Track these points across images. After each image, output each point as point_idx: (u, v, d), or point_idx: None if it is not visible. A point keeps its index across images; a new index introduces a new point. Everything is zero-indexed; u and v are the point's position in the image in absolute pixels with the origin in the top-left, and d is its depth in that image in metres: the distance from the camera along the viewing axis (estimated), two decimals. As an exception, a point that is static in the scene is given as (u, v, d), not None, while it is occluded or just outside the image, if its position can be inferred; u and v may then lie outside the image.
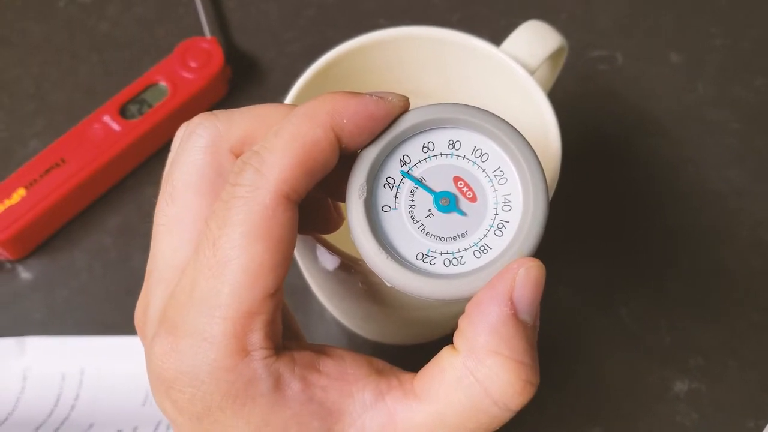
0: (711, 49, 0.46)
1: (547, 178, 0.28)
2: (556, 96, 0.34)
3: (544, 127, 0.29)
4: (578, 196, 0.41)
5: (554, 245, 0.39)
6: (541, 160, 0.20)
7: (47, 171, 0.38)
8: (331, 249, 0.26)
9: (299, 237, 0.28)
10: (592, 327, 0.38)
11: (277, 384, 0.18)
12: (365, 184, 0.20)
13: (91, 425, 0.32)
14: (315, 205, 0.22)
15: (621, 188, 0.42)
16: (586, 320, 0.38)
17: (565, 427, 0.35)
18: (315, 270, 0.31)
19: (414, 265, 0.20)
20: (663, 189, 0.42)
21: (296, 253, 0.32)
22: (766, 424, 0.35)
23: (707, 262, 0.39)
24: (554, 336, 0.38)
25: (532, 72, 0.30)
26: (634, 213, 0.41)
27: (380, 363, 0.20)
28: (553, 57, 0.32)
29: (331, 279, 0.30)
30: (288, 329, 0.23)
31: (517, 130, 0.20)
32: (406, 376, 0.19)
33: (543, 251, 0.38)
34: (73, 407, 0.33)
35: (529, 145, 0.20)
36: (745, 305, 0.38)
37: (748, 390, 0.36)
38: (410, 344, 0.37)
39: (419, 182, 0.20)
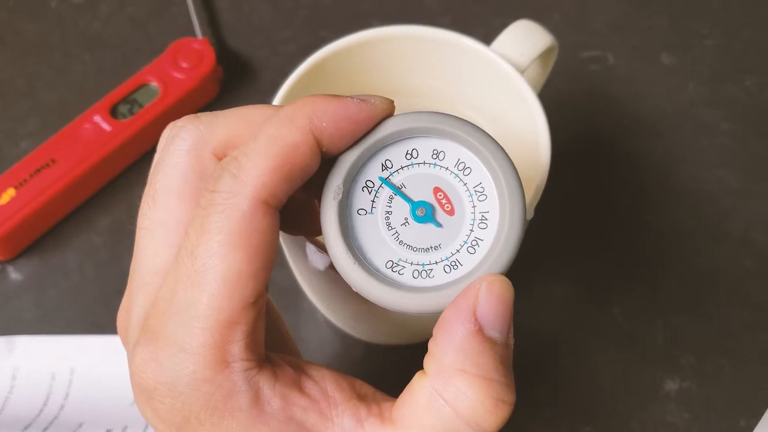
0: (703, 49, 0.46)
1: (537, 178, 0.28)
2: (548, 96, 0.34)
3: (534, 126, 0.29)
4: (570, 195, 0.41)
5: (547, 244, 0.40)
6: (532, 166, 0.20)
7: (37, 171, 0.38)
8: (322, 248, 0.26)
9: (289, 237, 0.28)
10: (585, 325, 0.38)
11: (257, 399, 0.18)
12: (341, 185, 0.19)
13: (80, 425, 0.32)
14: (302, 207, 0.22)
15: (613, 188, 0.42)
16: (579, 319, 0.38)
17: (557, 425, 0.35)
18: (305, 269, 0.31)
19: (382, 273, 0.19)
20: (655, 189, 0.42)
21: (286, 253, 0.32)
22: (756, 424, 0.35)
23: (700, 262, 0.39)
24: (547, 334, 0.38)
25: (521, 71, 0.30)
26: (627, 213, 0.41)
27: (364, 387, 0.20)
28: (543, 56, 0.32)
29: (322, 278, 0.30)
30: (276, 334, 0.23)
31: (500, 147, 0.20)
32: (387, 404, 0.19)
33: (536, 251, 0.38)
34: (62, 407, 0.33)
35: (512, 164, 0.20)
36: (738, 305, 0.38)
37: (739, 389, 0.36)
38: (401, 344, 0.37)
39: (397, 189, 0.20)
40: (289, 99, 0.29)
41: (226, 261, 0.17)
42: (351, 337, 0.37)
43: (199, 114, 0.20)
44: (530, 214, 0.28)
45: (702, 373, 0.36)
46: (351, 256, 0.19)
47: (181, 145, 0.20)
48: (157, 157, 0.21)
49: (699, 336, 0.37)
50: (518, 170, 0.20)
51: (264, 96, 0.44)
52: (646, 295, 0.39)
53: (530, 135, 0.29)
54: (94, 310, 0.38)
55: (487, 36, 0.32)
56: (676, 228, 0.40)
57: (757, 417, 0.35)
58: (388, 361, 0.37)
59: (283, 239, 0.30)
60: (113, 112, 0.40)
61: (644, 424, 0.35)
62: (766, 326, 0.38)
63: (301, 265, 0.31)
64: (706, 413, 0.35)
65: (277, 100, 0.29)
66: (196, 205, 0.19)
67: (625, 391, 0.36)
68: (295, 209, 0.21)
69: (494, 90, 0.31)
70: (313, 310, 0.38)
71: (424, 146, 0.20)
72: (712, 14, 0.48)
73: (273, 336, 0.22)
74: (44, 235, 0.40)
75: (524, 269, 0.36)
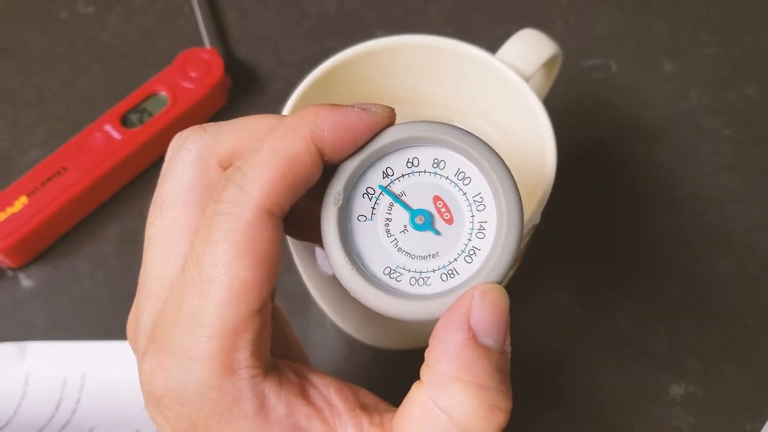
0: (704, 57, 0.47)
1: (543, 184, 0.28)
2: (551, 104, 0.34)
3: (539, 134, 0.29)
4: (574, 202, 0.42)
5: (551, 251, 0.40)
6: (538, 172, 0.20)
7: (49, 179, 0.39)
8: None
9: (298, 242, 0.29)
10: (589, 331, 0.38)
11: (262, 406, 0.18)
12: (342, 192, 0.20)
13: (92, 429, 0.32)
14: (308, 214, 0.22)
15: (616, 194, 0.42)
16: (583, 324, 0.38)
17: (561, 431, 0.36)
18: (314, 274, 0.32)
19: (379, 280, 0.20)
20: (658, 195, 0.42)
21: (295, 258, 0.32)
22: (762, 427, 0.35)
23: (703, 267, 0.40)
24: (550, 340, 0.38)
25: (527, 79, 0.31)
26: (630, 219, 0.41)
27: (367, 397, 0.20)
28: (548, 65, 0.33)
29: (331, 283, 0.31)
30: (283, 341, 0.23)
31: (500, 159, 0.20)
32: (388, 415, 0.19)
33: (539, 257, 0.38)
34: (74, 411, 0.33)
35: (511, 175, 0.20)
36: (741, 309, 0.39)
37: (744, 393, 0.36)
38: (409, 348, 0.37)
39: (396, 198, 0.20)
40: (298, 108, 0.30)
41: (231, 270, 0.18)
42: (359, 341, 0.38)
43: (204, 125, 0.21)
44: (536, 219, 0.28)
45: (707, 378, 0.37)
46: (349, 262, 0.19)
47: (186, 156, 0.20)
48: (164, 167, 0.21)
49: (703, 341, 0.38)
50: (524, 177, 0.20)
51: (271, 105, 0.44)
52: (649, 301, 0.39)
53: (536, 143, 0.30)
54: (104, 316, 0.38)
55: (489, 45, 0.33)
56: (679, 234, 0.41)
57: (763, 420, 0.35)
58: (396, 366, 0.37)
59: (293, 244, 0.31)
60: (123, 121, 0.41)
61: (649, 429, 0.36)
62: (770, 330, 0.38)
63: (310, 270, 0.32)
64: (712, 417, 0.36)
65: (285, 110, 0.30)
66: (202, 215, 0.19)
67: (629, 396, 0.36)
68: (302, 216, 0.22)
69: (500, 98, 0.32)
70: (322, 315, 0.38)
71: (425, 155, 0.20)
72: (712, 22, 0.48)
73: (280, 342, 0.22)
74: (56, 242, 0.40)
75: (528, 275, 0.37)
